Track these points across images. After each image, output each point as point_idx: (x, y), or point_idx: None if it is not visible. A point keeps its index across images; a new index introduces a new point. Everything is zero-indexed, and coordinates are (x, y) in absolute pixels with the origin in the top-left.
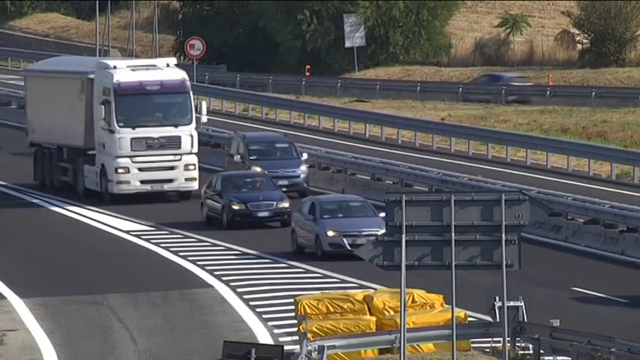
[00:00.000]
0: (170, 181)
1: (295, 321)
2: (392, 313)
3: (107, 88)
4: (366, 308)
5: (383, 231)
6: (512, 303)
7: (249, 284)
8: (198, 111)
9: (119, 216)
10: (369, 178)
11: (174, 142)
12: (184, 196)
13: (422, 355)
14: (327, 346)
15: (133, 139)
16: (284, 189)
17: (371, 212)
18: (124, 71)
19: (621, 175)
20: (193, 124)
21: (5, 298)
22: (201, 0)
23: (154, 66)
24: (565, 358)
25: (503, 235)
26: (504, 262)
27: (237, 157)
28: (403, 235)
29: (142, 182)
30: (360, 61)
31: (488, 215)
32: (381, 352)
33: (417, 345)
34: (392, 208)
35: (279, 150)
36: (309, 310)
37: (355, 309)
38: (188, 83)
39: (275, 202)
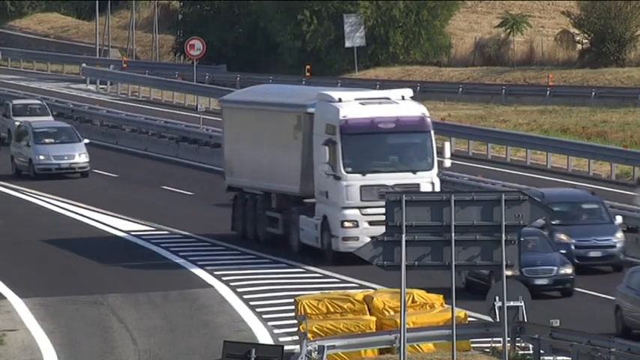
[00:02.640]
0: None
1: (295, 321)
2: (392, 313)
3: (331, 125)
4: (366, 308)
5: None
6: (512, 303)
7: (249, 284)
8: (441, 153)
9: (119, 216)
10: None
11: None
12: None
13: (422, 355)
14: (327, 346)
15: (362, 188)
16: (596, 261)
17: None
18: (352, 105)
19: (621, 175)
20: (435, 170)
21: (5, 298)
22: (201, 0)
23: (387, 99)
24: (565, 358)
25: (503, 235)
26: (504, 262)
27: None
28: (403, 235)
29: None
30: (360, 61)
31: (488, 215)
32: (381, 352)
33: (417, 345)
34: (392, 208)
35: (586, 212)
36: (309, 310)
37: (355, 309)
38: (429, 120)
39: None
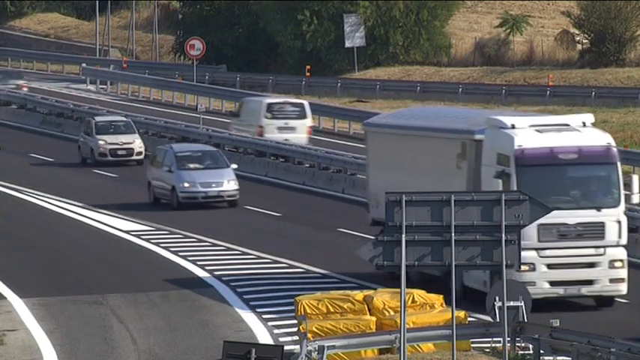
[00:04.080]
0: (589, 282)
1: (295, 321)
2: (392, 313)
3: (504, 155)
4: (366, 308)
5: None
6: (512, 303)
7: (249, 284)
8: (628, 186)
9: (119, 216)
10: None
11: (597, 231)
12: (605, 302)
13: (422, 355)
14: (327, 346)
15: (541, 227)
16: None
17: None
18: (528, 133)
19: None
20: (622, 207)
21: (5, 298)
22: (201, 0)
23: (566, 126)
24: (565, 358)
25: (503, 235)
26: (504, 262)
27: None
28: (403, 235)
29: (552, 284)
30: (360, 61)
31: (488, 215)
32: (381, 352)
33: (417, 345)
34: (392, 208)
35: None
36: (309, 310)
37: (355, 309)
38: (615, 150)
39: None
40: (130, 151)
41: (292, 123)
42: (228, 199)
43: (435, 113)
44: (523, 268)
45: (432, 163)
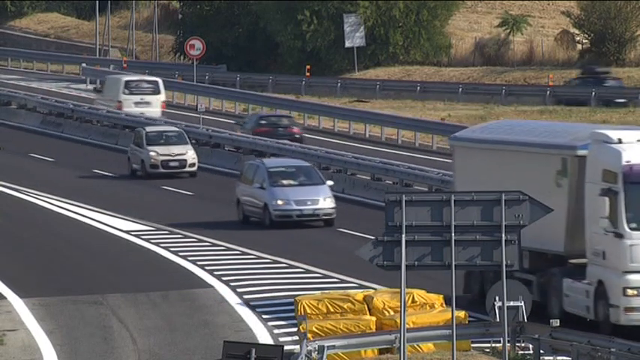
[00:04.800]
0: None
1: (295, 321)
2: (392, 313)
3: (611, 171)
4: (366, 308)
5: None
6: (512, 303)
7: (249, 284)
8: None
9: (119, 216)
10: (369, 178)
11: None
12: None
13: (422, 355)
14: (327, 346)
15: None
16: None
17: None
18: (636, 147)
19: None
20: None
21: (5, 298)
22: (201, 0)
23: None
24: (565, 358)
25: (503, 235)
26: (504, 262)
27: None
28: (403, 235)
29: None
30: (360, 61)
31: (488, 215)
32: (381, 352)
33: (417, 345)
34: (392, 208)
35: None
36: (309, 310)
37: (355, 309)
38: None
39: None
40: (183, 163)
41: (147, 98)
42: (325, 217)
43: (529, 127)
44: (630, 292)
45: (527, 181)
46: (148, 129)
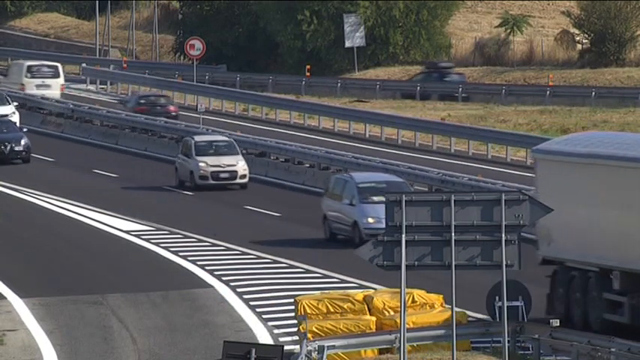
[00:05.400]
0: None
1: (295, 321)
2: (392, 313)
3: None
4: (366, 308)
5: None
6: (512, 303)
7: (249, 284)
8: None
9: (119, 216)
10: None
11: None
12: None
13: (422, 355)
14: (327, 346)
15: None
16: None
17: None
18: None
19: None
20: None
21: (5, 298)
22: (201, 0)
23: None
24: (565, 358)
25: (503, 235)
26: (504, 262)
27: None
28: (403, 235)
29: None
30: (360, 61)
31: (488, 215)
32: (381, 352)
33: (417, 345)
34: (392, 208)
35: None
36: (309, 310)
37: (355, 309)
38: None
39: None
40: (234, 174)
41: (48, 81)
42: None
43: (619, 139)
44: None
45: (621, 195)
46: (197, 138)
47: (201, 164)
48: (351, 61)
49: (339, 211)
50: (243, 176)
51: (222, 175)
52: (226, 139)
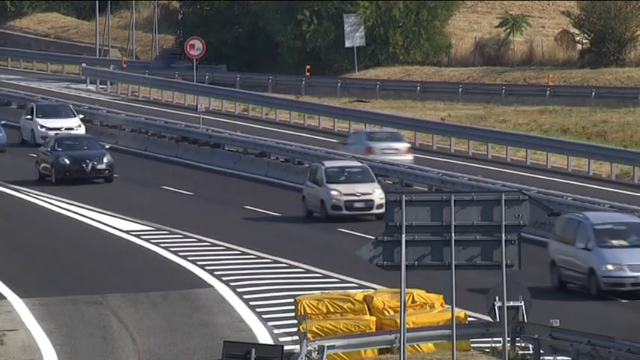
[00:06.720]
0: None
1: (295, 321)
2: (392, 313)
3: None
4: (366, 308)
5: None
6: (512, 303)
7: (249, 284)
8: None
9: (119, 216)
10: None
11: None
12: None
13: (422, 355)
14: (327, 346)
15: None
16: None
17: None
18: None
19: (621, 175)
20: None
21: (5, 298)
22: (201, 0)
23: None
24: (565, 358)
25: (503, 235)
26: (504, 262)
27: None
28: (403, 235)
29: None
30: (360, 61)
31: (488, 215)
32: (381, 352)
33: (417, 345)
34: (392, 208)
35: None
36: (309, 310)
37: (355, 309)
38: None
39: None
40: (370, 204)
41: None
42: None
43: None
44: None
45: None
46: (327, 164)
47: (333, 192)
48: (351, 61)
49: (572, 255)
50: (380, 206)
51: (357, 205)
52: (360, 164)
